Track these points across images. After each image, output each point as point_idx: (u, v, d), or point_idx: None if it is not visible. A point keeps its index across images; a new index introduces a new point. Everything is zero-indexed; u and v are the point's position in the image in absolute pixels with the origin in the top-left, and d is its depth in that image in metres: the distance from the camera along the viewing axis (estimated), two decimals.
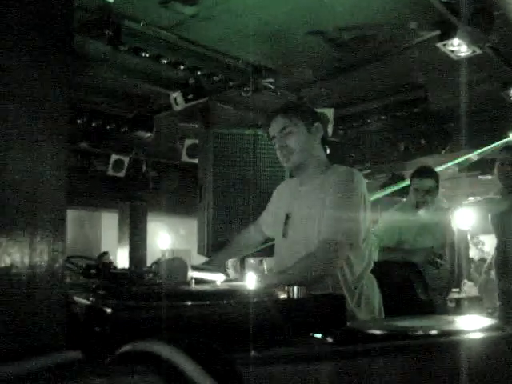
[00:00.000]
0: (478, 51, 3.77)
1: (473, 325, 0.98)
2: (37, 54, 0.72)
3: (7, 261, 0.67)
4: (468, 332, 0.90)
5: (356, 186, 2.27)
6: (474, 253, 10.71)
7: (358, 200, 2.24)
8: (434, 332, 0.89)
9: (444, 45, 3.72)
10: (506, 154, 4.24)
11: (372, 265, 2.38)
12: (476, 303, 6.46)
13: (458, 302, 6.10)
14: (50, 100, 0.72)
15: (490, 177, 7.30)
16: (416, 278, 3.92)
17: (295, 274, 2.08)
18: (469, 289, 7.12)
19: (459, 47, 3.74)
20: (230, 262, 2.85)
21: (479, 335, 0.90)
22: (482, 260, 9.51)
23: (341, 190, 2.26)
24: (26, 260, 0.68)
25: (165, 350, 0.56)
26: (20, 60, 0.70)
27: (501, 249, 4.28)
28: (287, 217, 2.44)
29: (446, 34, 3.67)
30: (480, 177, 7.49)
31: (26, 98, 0.70)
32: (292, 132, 2.39)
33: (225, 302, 1.00)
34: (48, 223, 0.71)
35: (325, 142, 2.52)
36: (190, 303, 0.98)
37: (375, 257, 2.61)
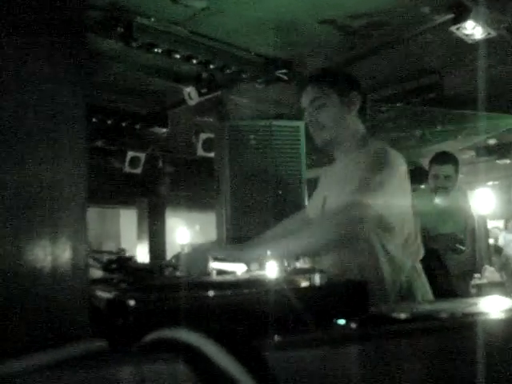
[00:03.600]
0: (493, 33, 3.71)
1: (496, 305, 0.97)
2: (52, 53, 0.72)
3: (31, 257, 0.67)
4: (492, 312, 0.89)
5: (388, 164, 2.02)
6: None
7: (390, 178, 1.98)
8: (457, 314, 0.88)
9: (458, 28, 3.67)
10: None
11: (420, 254, 2.18)
12: (498, 288, 6.42)
13: (480, 287, 6.06)
14: (68, 99, 0.72)
15: (508, 161, 7.23)
16: (437, 265, 3.90)
17: (314, 238, 1.91)
18: (490, 274, 7.07)
19: (473, 30, 3.68)
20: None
21: (503, 314, 0.89)
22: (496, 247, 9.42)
23: (371, 166, 2.02)
24: (49, 256, 0.69)
25: (191, 337, 0.56)
26: (36, 62, 0.70)
27: None
28: (324, 200, 2.26)
29: (460, 17, 3.61)
30: (497, 161, 7.42)
31: (44, 98, 0.70)
32: (323, 105, 2.18)
33: (246, 291, 1.00)
34: (69, 219, 0.71)
35: (363, 112, 2.29)
36: (211, 293, 0.98)
37: None
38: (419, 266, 2.21)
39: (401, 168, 2.06)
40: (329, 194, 2.26)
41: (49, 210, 0.68)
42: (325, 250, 1.95)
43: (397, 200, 2.01)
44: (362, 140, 2.22)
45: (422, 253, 2.21)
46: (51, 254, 0.68)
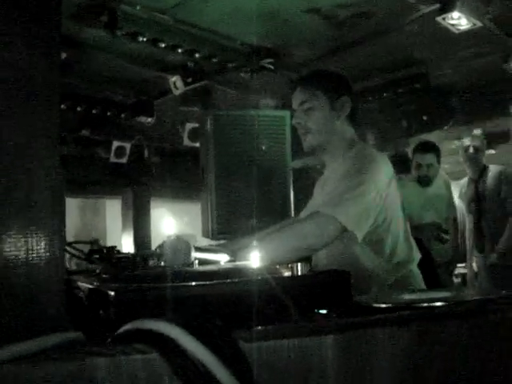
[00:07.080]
0: (479, 24, 3.72)
1: (480, 295, 0.97)
2: (28, 38, 0.71)
3: (5, 246, 0.66)
4: (475, 301, 0.90)
5: (370, 169, 1.95)
6: None
7: (368, 185, 1.91)
8: (439, 304, 0.88)
9: (444, 18, 3.67)
10: (470, 140, 4.44)
11: (410, 258, 2.13)
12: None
13: (464, 277, 6.11)
14: (43, 84, 0.71)
15: (493, 151, 7.27)
16: (422, 255, 3.91)
17: (278, 247, 1.84)
18: (476, 264, 7.11)
19: (459, 20, 3.68)
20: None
21: (486, 304, 0.89)
22: None
23: (350, 171, 1.97)
24: (24, 245, 0.67)
25: (167, 328, 0.55)
26: (13, 47, 0.69)
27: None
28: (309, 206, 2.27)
29: (446, 8, 3.61)
30: None
31: (19, 83, 0.69)
32: (312, 108, 2.11)
33: (228, 281, 1.00)
34: (45, 206, 0.70)
35: (354, 116, 2.20)
36: (192, 283, 0.97)
37: None
38: (415, 270, 2.17)
39: (382, 174, 1.99)
40: (313, 200, 2.28)
41: (23, 198, 0.67)
42: (287, 258, 1.68)
43: (376, 205, 1.94)
44: (349, 145, 2.14)
45: (414, 256, 2.16)
46: (25, 243, 0.66)
